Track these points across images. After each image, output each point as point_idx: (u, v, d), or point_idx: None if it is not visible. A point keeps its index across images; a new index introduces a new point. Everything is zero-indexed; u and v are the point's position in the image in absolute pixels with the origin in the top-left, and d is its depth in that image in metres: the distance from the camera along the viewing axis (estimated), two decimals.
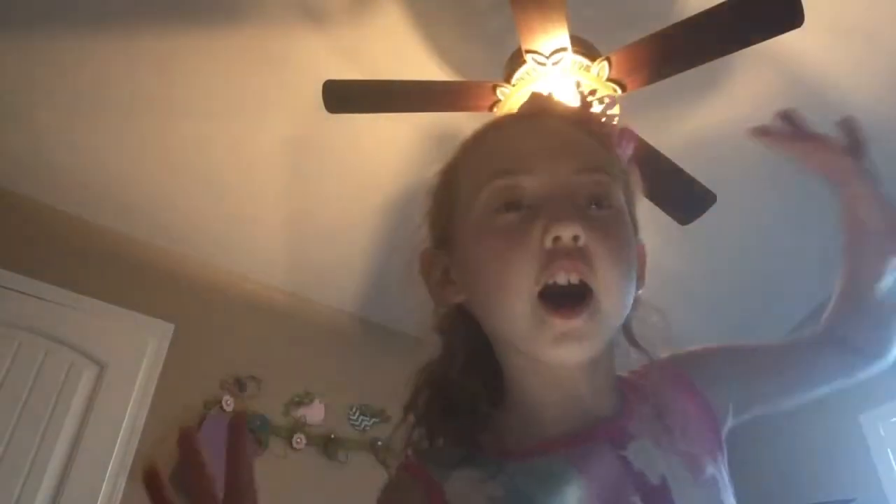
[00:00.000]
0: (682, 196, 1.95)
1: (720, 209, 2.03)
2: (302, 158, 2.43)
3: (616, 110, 0.57)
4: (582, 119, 0.67)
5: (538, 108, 0.70)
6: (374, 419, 2.81)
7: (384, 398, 2.81)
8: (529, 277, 0.56)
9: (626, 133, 0.68)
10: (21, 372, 2.27)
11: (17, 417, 2.21)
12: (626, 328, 0.65)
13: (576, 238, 0.55)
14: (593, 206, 0.59)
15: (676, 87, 1.86)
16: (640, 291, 0.64)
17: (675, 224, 2.02)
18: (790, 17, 1.45)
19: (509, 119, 0.69)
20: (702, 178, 1.95)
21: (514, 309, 0.57)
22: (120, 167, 2.48)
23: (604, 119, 0.69)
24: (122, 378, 2.41)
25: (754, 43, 1.57)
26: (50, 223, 2.56)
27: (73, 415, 2.29)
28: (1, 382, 2.23)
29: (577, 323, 0.56)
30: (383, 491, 0.63)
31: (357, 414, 2.81)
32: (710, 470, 0.60)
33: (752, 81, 2.10)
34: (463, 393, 0.63)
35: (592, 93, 0.65)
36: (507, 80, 1.73)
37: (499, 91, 1.73)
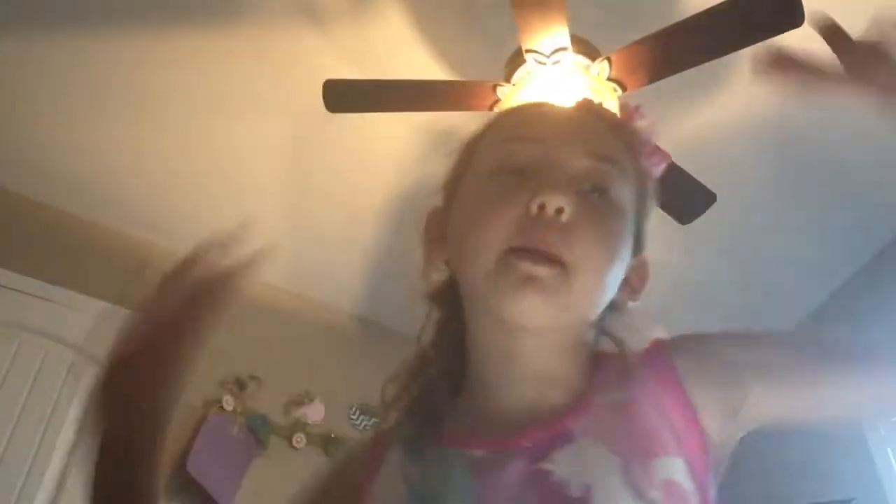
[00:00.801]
0: (682, 196, 1.95)
1: (720, 209, 2.03)
2: (302, 158, 2.43)
3: (655, 127, 0.56)
4: (615, 121, 0.68)
5: (581, 104, 0.71)
6: (374, 419, 2.81)
7: None
8: (502, 237, 0.56)
9: (659, 152, 0.70)
10: (21, 372, 2.27)
11: (17, 417, 2.21)
12: (607, 330, 0.63)
13: (560, 210, 0.55)
14: (594, 194, 0.59)
15: (676, 87, 1.85)
16: (632, 303, 0.63)
17: (674, 223, 2.02)
18: (790, 17, 1.44)
19: (543, 102, 0.72)
20: (702, 178, 1.95)
21: (480, 261, 0.57)
22: (120, 167, 2.48)
23: (640, 132, 0.70)
24: None
25: (754, 43, 1.57)
26: (50, 223, 2.56)
27: (73, 415, 2.29)
28: (1, 382, 2.23)
29: (542, 270, 0.55)
30: (349, 444, 0.66)
31: (357, 414, 2.80)
32: (658, 484, 0.52)
33: (752, 81, 2.10)
34: (433, 369, 0.63)
35: (637, 108, 0.67)
36: (507, 79, 1.73)
37: (499, 91, 1.73)
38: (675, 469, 0.53)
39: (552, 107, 0.70)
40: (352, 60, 2.08)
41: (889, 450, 2.47)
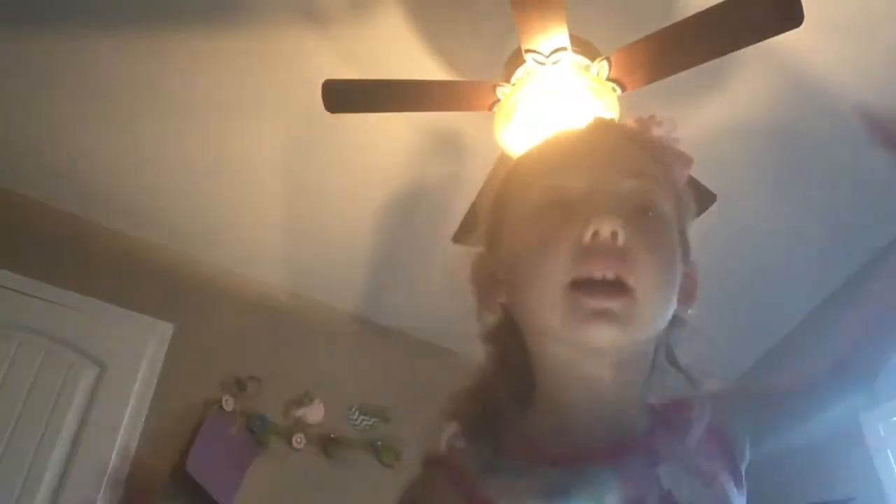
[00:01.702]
0: None
1: (720, 209, 2.03)
2: (302, 158, 2.43)
3: (673, 133, 0.56)
4: (638, 135, 0.67)
5: (596, 124, 0.71)
6: (374, 419, 2.81)
7: (384, 398, 2.81)
8: (563, 270, 0.56)
9: (683, 158, 0.68)
10: (21, 372, 2.27)
11: (17, 417, 2.21)
12: (668, 348, 0.65)
13: (614, 235, 0.55)
14: (640, 213, 0.59)
15: (676, 87, 1.86)
16: (687, 312, 0.64)
17: None
18: (790, 16, 1.44)
19: (565, 131, 0.70)
20: (702, 178, 1.95)
21: (546, 299, 0.57)
22: (120, 167, 2.48)
23: (663, 141, 0.69)
24: (122, 378, 2.41)
25: (754, 43, 1.57)
26: (50, 223, 2.56)
27: (73, 415, 2.29)
28: (1, 382, 2.23)
29: (611, 304, 0.55)
30: (411, 490, 0.62)
31: (357, 414, 2.80)
32: (730, 496, 0.60)
33: (752, 81, 2.10)
34: (498, 391, 0.63)
35: (651, 117, 0.65)
36: (507, 79, 1.73)
37: (499, 91, 1.73)
38: (732, 492, 0.61)
39: (575, 135, 0.68)
40: (352, 60, 2.08)
41: (889, 450, 2.47)
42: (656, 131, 0.68)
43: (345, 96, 1.81)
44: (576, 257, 0.56)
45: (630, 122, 0.69)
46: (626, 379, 0.61)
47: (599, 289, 0.55)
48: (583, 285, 0.55)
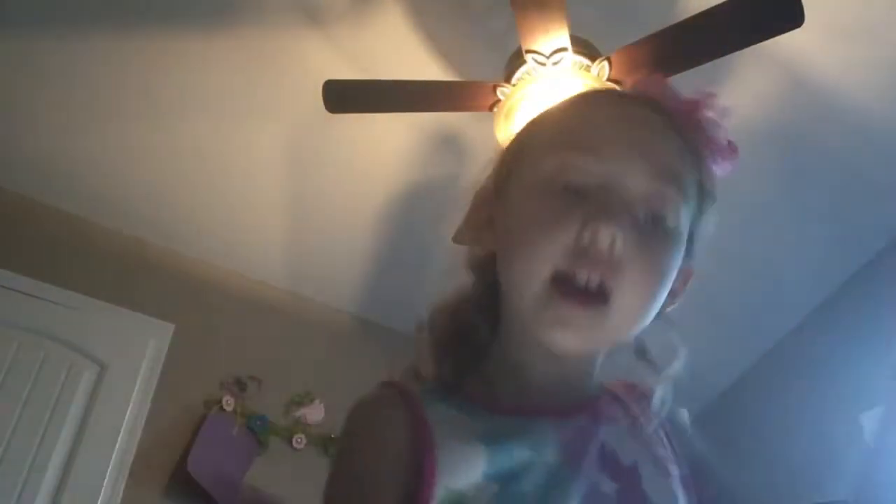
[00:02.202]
0: None
1: (720, 209, 2.03)
2: (302, 158, 2.43)
3: (725, 118, 0.51)
4: (686, 117, 0.62)
5: (643, 91, 0.65)
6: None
7: None
8: (550, 259, 0.55)
9: (731, 149, 0.63)
10: (21, 372, 2.27)
11: (17, 417, 2.21)
12: (638, 339, 0.64)
13: (612, 244, 0.53)
14: (650, 222, 0.56)
15: (676, 87, 1.86)
16: (667, 309, 0.63)
17: None
18: (790, 17, 1.45)
19: (607, 95, 0.66)
20: None
21: (526, 281, 0.57)
22: (120, 167, 2.48)
23: (712, 126, 0.63)
24: (122, 378, 2.41)
25: (754, 43, 1.57)
26: (50, 223, 2.56)
27: (73, 415, 2.29)
28: (1, 382, 2.23)
29: (580, 312, 0.55)
30: (360, 404, 0.60)
31: None
32: (674, 482, 0.59)
33: (752, 81, 2.10)
34: (471, 325, 0.63)
35: (710, 97, 0.58)
36: (507, 80, 1.73)
37: (499, 91, 1.73)
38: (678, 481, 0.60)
39: (616, 104, 0.64)
40: (352, 60, 2.08)
41: (889, 450, 2.47)
42: (708, 115, 0.63)
43: (345, 96, 1.81)
44: (567, 252, 0.55)
45: (680, 99, 0.63)
46: (588, 356, 0.63)
47: (576, 294, 0.55)
48: (563, 283, 0.55)
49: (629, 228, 0.54)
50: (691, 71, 1.63)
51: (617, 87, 0.68)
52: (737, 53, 1.64)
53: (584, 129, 0.60)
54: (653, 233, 0.56)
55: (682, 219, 0.59)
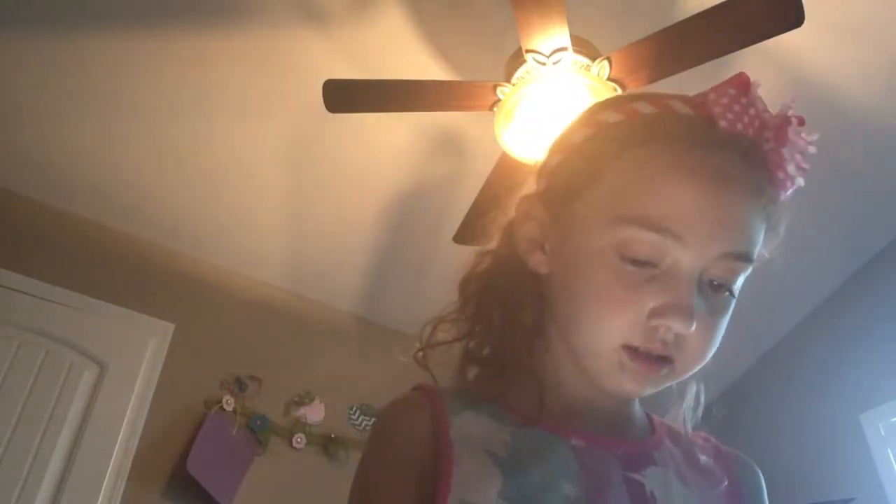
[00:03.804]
0: None
1: None
2: (302, 158, 2.43)
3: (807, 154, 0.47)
4: (773, 158, 0.56)
5: (737, 116, 0.56)
6: (374, 419, 2.81)
7: (384, 398, 2.80)
8: (621, 335, 0.55)
9: (803, 170, 0.58)
10: (21, 372, 2.27)
11: (17, 417, 2.21)
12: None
13: (680, 335, 0.55)
14: (713, 285, 0.56)
15: (676, 87, 1.86)
16: None
17: None
18: (790, 17, 1.44)
19: (697, 137, 0.56)
20: None
21: (596, 346, 0.57)
22: (120, 167, 2.48)
23: (795, 155, 0.57)
24: (122, 378, 2.41)
25: (754, 43, 1.57)
26: (50, 223, 2.56)
27: (73, 415, 2.29)
28: (1, 382, 2.23)
29: (651, 376, 0.56)
30: (392, 404, 0.62)
31: (357, 414, 2.81)
32: None
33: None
34: (517, 338, 0.62)
35: (801, 121, 0.50)
36: (508, 79, 1.73)
37: (499, 91, 1.73)
38: None
39: (704, 160, 0.55)
40: (352, 60, 2.08)
41: (889, 450, 2.47)
42: (794, 140, 0.57)
43: (345, 96, 1.81)
44: (638, 331, 0.55)
45: (768, 122, 0.56)
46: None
47: (647, 361, 0.56)
48: (633, 351, 0.56)
49: (696, 314, 0.54)
50: (691, 71, 1.63)
51: (703, 124, 0.56)
52: (737, 53, 1.64)
53: (666, 205, 0.54)
54: (714, 300, 0.56)
55: (743, 279, 0.59)
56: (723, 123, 0.55)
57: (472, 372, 0.64)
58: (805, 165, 0.57)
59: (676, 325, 0.53)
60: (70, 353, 2.38)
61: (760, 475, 0.66)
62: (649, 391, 0.58)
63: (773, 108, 0.59)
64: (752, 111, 0.56)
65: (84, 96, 2.24)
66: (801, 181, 0.57)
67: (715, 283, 0.56)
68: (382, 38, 2.03)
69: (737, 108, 0.56)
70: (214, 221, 2.67)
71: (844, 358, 2.67)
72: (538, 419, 0.58)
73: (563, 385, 0.62)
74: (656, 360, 0.55)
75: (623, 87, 1.67)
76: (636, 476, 0.57)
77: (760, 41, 1.56)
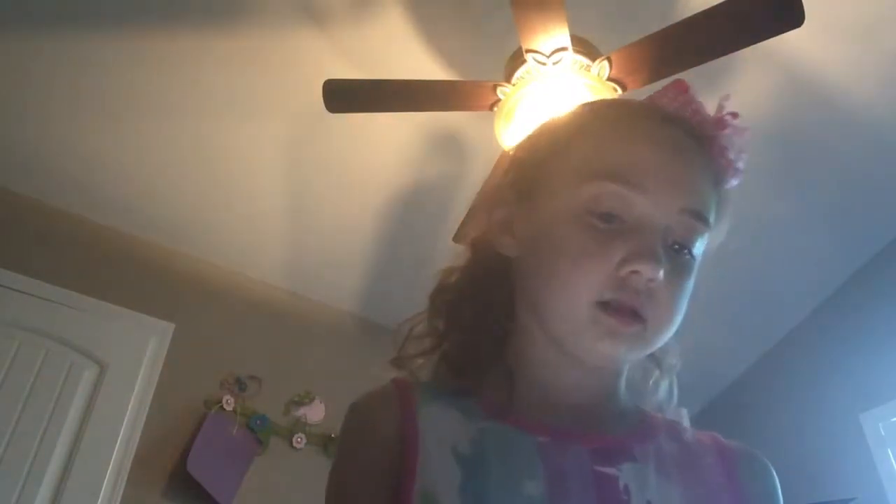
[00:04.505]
0: None
1: None
2: (302, 158, 2.43)
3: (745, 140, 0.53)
4: (713, 140, 0.63)
5: (677, 110, 0.64)
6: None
7: None
8: (593, 291, 0.57)
9: (739, 174, 0.65)
10: (21, 372, 2.27)
11: (17, 417, 2.21)
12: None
13: (651, 280, 0.56)
14: (675, 248, 0.59)
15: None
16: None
17: None
18: (790, 17, 1.44)
19: (646, 114, 0.63)
20: None
21: (568, 307, 0.58)
22: (120, 167, 2.48)
23: (734, 148, 0.65)
24: (122, 378, 2.41)
25: (754, 43, 1.57)
26: (50, 223, 2.56)
27: (73, 415, 2.29)
28: (1, 382, 2.23)
29: (626, 329, 0.57)
30: (358, 402, 0.64)
31: None
32: None
33: (752, 81, 2.10)
34: (484, 327, 0.64)
35: (734, 115, 0.60)
36: (508, 79, 1.73)
37: (499, 91, 1.73)
38: None
39: (657, 127, 0.62)
40: (352, 60, 2.08)
41: (889, 450, 2.48)
42: (731, 135, 0.64)
43: (345, 96, 1.81)
44: (609, 283, 0.57)
45: (706, 117, 0.64)
46: (599, 385, 0.64)
47: (619, 314, 0.57)
48: (606, 306, 0.57)
49: (665, 263, 0.56)
50: (691, 71, 1.64)
51: (652, 105, 0.65)
52: (737, 53, 1.64)
53: (628, 159, 0.60)
54: (678, 260, 0.59)
55: (702, 244, 0.62)
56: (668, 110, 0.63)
57: (446, 368, 0.65)
58: (741, 166, 0.64)
59: (645, 269, 0.55)
60: (70, 352, 2.38)
61: (772, 472, 0.67)
62: (624, 352, 0.59)
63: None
64: (693, 105, 0.64)
65: (84, 96, 2.24)
66: (739, 177, 0.65)
67: (676, 245, 0.59)
68: (382, 38, 2.03)
69: (677, 103, 0.64)
70: (214, 221, 2.67)
71: (844, 358, 2.67)
72: (508, 414, 0.59)
73: (538, 373, 0.63)
74: (629, 313, 0.57)
75: (623, 87, 1.67)
76: (608, 470, 0.57)
77: (760, 41, 1.56)
